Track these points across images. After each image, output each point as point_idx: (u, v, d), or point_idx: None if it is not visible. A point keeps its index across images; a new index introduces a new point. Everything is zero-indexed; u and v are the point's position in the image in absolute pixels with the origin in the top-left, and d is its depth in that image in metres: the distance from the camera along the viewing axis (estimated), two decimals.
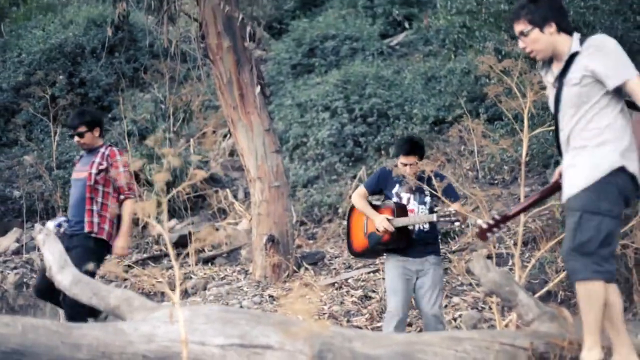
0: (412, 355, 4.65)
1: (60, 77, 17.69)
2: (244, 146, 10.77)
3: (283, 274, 10.50)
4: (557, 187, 5.17)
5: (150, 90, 17.55)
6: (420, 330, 7.72)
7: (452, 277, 9.65)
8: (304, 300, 3.77)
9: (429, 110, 14.42)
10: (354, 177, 13.76)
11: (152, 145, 4.60)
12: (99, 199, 7.67)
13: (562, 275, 7.25)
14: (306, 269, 10.83)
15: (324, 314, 8.93)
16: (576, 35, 4.89)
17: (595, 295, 4.62)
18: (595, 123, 4.75)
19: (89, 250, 7.39)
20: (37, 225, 6.23)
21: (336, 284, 10.05)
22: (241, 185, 14.97)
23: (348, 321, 8.77)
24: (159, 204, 4.73)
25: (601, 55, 4.73)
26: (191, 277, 11.48)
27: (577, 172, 4.76)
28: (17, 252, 13.20)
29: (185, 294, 10.88)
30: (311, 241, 12.57)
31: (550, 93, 5.04)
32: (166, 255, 12.49)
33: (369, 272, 10.23)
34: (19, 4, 20.92)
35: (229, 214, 14.26)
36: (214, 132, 16.20)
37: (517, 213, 5.41)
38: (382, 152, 14.18)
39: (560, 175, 5.14)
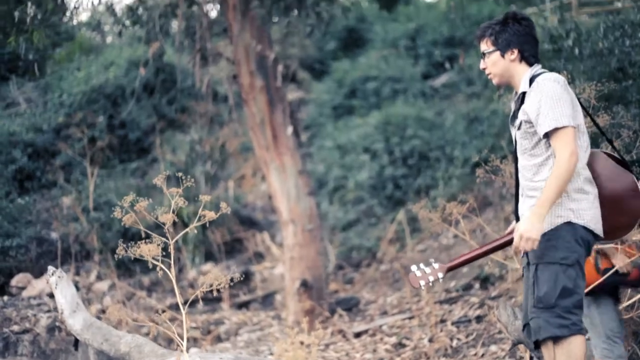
0: None
1: (100, 118, 17.68)
2: (277, 188, 10.59)
3: (316, 319, 10.24)
4: (509, 242, 4.81)
5: (188, 132, 17.49)
6: None
7: (490, 325, 9.33)
8: (301, 352, 3.53)
9: (470, 153, 14.15)
10: (393, 220, 13.51)
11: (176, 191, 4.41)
12: None
13: None
14: (340, 315, 10.56)
15: None
16: (530, 71, 4.66)
17: (574, 354, 4.40)
18: (540, 175, 4.53)
19: None
20: (50, 268, 6.06)
21: (370, 331, 9.77)
22: (279, 228, 14.79)
23: None
24: (165, 248, 4.52)
25: (537, 97, 4.47)
26: (224, 322, 11.27)
27: None
28: (51, 294, 13.08)
29: (217, 339, 10.67)
30: (348, 285, 12.33)
31: (511, 130, 4.82)
32: (203, 299, 12.29)
33: (404, 319, 9.94)
34: (62, 45, 21.04)
35: (265, 257, 14.08)
36: (253, 174, 16.11)
37: (459, 264, 4.97)
38: (422, 194, 13.91)
39: (512, 228, 4.88)
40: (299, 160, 10.68)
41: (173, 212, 4.54)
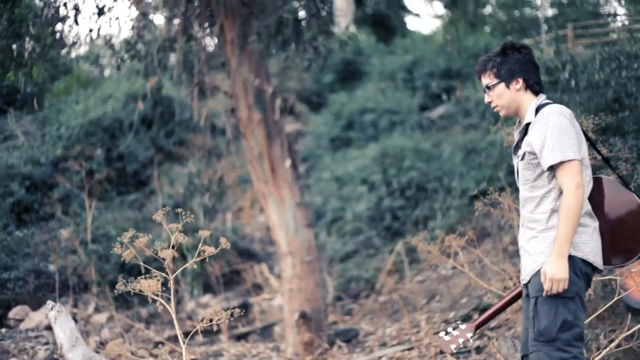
0: None
1: (98, 151, 17.72)
2: (275, 221, 10.61)
3: (315, 351, 10.22)
4: None
5: (186, 164, 17.53)
6: None
7: (489, 356, 9.32)
8: None
9: (468, 184, 14.17)
10: (391, 251, 13.52)
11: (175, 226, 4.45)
12: None
13: (605, 352, 6.92)
14: (339, 346, 10.54)
15: None
16: (536, 101, 4.64)
17: None
18: (542, 207, 4.53)
19: None
20: (49, 302, 6.05)
21: None
22: (277, 259, 14.80)
23: None
24: (164, 282, 4.54)
25: (542, 130, 4.46)
26: (223, 354, 11.25)
27: (530, 258, 4.57)
28: (48, 327, 13.07)
29: None
30: (347, 317, 12.32)
31: (514, 160, 4.81)
32: (202, 332, 12.28)
33: (403, 350, 9.92)
34: (60, 78, 21.13)
35: (264, 289, 14.07)
36: (251, 205, 16.12)
37: (486, 320, 4.99)
38: (420, 225, 13.93)
39: None
40: (297, 192, 10.70)
41: (173, 247, 4.57)
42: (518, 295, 4.94)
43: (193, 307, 13.56)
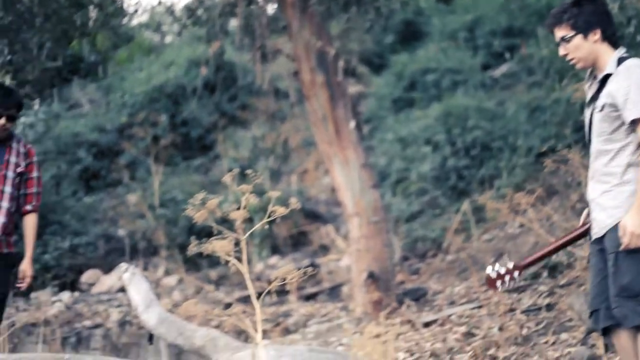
0: None
1: (163, 117, 17.91)
2: (341, 182, 10.60)
3: (384, 310, 10.25)
4: (584, 233, 4.77)
5: (250, 128, 17.62)
6: None
7: (560, 313, 9.27)
8: (377, 342, 3.57)
9: (533, 142, 14.04)
10: (457, 210, 13.47)
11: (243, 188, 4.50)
12: (10, 209, 6.12)
13: None
14: (408, 305, 10.57)
15: (426, 352, 8.66)
16: (617, 53, 4.53)
17: None
18: (617, 161, 4.42)
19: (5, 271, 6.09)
20: (123, 264, 6.17)
21: (439, 321, 9.76)
22: (343, 221, 14.84)
23: (450, 359, 8.48)
24: (237, 243, 4.60)
25: (626, 82, 4.33)
26: (292, 315, 11.36)
27: (603, 212, 4.48)
28: (120, 290, 13.32)
29: (286, 331, 10.76)
30: (414, 276, 12.34)
31: (586, 113, 4.71)
32: (268, 292, 12.41)
33: (473, 308, 9.91)
34: (122, 46, 21.32)
35: (330, 250, 14.15)
36: (316, 168, 16.17)
37: (534, 261, 4.93)
38: (486, 184, 13.85)
39: (586, 218, 4.79)
40: (362, 153, 10.68)
41: (244, 208, 4.61)
42: (570, 241, 4.91)
43: (262, 268, 13.72)
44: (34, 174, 6.29)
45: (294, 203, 4.60)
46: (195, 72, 18.51)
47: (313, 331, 10.26)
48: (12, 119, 6.05)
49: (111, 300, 13.13)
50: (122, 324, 12.18)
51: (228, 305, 10.63)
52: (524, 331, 8.24)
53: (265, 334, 10.29)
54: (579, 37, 4.52)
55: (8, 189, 6.05)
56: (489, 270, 4.83)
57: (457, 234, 12.99)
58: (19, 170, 6.14)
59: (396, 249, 13.06)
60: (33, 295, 13.18)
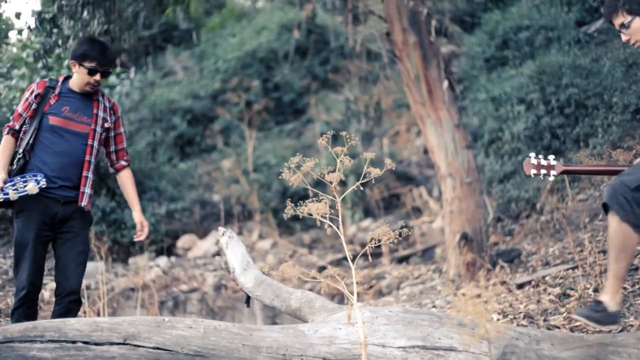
0: (605, 357, 4.37)
1: (255, 82, 18.04)
2: (434, 143, 10.56)
3: (477, 272, 10.23)
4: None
5: (341, 91, 17.64)
6: None
7: None
8: (477, 302, 3.57)
9: (630, 99, 13.74)
10: None
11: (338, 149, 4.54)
12: (94, 165, 6.14)
13: None
14: (502, 266, 10.52)
15: (520, 313, 8.62)
16: None
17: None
18: None
19: (87, 229, 6.16)
20: (220, 228, 6.26)
21: (533, 282, 9.70)
22: (436, 182, 14.79)
23: (545, 320, 8.43)
24: (331, 206, 4.64)
25: None
26: (385, 277, 11.40)
27: None
28: (216, 254, 13.54)
29: (379, 293, 10.82)
30: (508, 238, 12.25)
31: None
32: (362, 255, 12.50)
33: (567, 269, 9.81)
34: (214, 13, 21.51)
35: (423, 212, 14.13)
36: (407, 130, 16.11)
37: (575, 171, 5.17)
38: (582, 143, 13.63)
39: None
40: (455, 114, 10.61)
41: (339, 170, 4.64)
42: (615, 172, 4.94)
43: (354, 231, 13.78)
44: (122, 129, 6.41)
45: (389, 164, 4.61)
46: (287, 37, 18.57)
47: (406, 293, 10.29)
48: (106, 74, 6.11)
49: (207, 265, 13.36)
50: (218, 287, 12.38)
51: (322, 269, 10.73)
52: None
53: (358, 296, 10.35)
54: (638, 20, 4.58)
55: (95, 143, 6.10)
56: (532, 154, 5.08)
57: (551, 194, 12.83)
58: (106, 125, 6.21)
59: (489, 210, 12.98)
60: (131, 260, 13.49)
